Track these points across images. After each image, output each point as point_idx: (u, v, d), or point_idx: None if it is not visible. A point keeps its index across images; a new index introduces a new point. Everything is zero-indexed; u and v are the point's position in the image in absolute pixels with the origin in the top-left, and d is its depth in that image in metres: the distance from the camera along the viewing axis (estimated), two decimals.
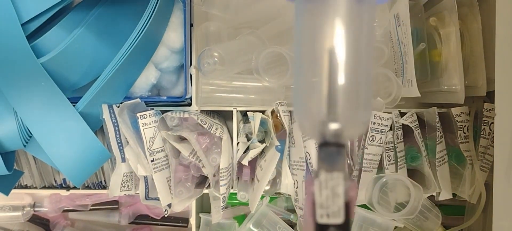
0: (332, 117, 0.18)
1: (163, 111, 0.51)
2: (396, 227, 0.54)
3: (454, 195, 0.54)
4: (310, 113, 0.18)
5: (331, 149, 0.18)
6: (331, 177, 0.17)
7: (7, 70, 0.42)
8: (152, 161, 0.49)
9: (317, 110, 0.18)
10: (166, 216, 0.54)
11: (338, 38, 0.17)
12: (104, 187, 0.59)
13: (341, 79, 0.17)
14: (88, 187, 0.60)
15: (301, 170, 0.49)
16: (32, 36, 0.43)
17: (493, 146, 0.48)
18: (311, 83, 0.18)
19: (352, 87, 0.18)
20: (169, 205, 0.52)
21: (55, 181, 0.60)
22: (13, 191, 0.54)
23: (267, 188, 0.53)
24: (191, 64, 0.53)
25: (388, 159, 0.52)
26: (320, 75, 0.18)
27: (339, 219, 0.17)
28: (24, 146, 0.47)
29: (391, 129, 0.52)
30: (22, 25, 0.41)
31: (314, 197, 0.17)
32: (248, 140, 0.54)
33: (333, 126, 0.18)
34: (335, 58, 0.17)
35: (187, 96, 0.52)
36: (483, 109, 0.50)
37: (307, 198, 0.18)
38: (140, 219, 0.69)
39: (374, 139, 0.51)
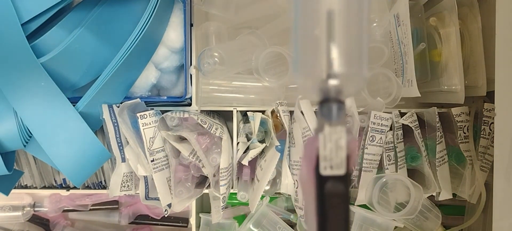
0: (332, 74, 0.18)
1: (163, 111, 0.51)
2: (396, 227, 0.54)
3: (454, 195, 0.54)
4: (310, 72, 0.19)
5: (332, 105, 0.18)
6: (335, 131, 0.18)
7: (7, 70, 0.42)
8: (152, 161, 0.49)
9: (317, 69, 0.18)
10: (166, 216, 0.54)
11: (335, 2, 0.18)
12: (104, 187, 0.59)
13: (339, 37, 0.18)
14: (88, 187, 0.60)
15: None
16: (32, 36, 0.43)
17: (493, 146, 0.48)
18: (310, 43, 0.19)
19: (350, 45, 0.19)
20: (169, 205, 0.52)
21: (55, 181, 0.60)
22: (13, 191, 0.54)
23: (267, 188, 0.53)
24: (191, 64, 0.53)
25: (388, 159, 0.52)
26: (319, 34, 0.18)
27: (342, 170, 0.18)
28: (24, 146, 0.47)
29: (391, 129, 0.52)
30: (22, 25, 0.41)
31: (318, 151, 0.18)
32: (248, 140, 0.54)
33: (334, 82, 0.18)
34: (333, 17, 0.18)
35: (187, 96, 0.52)
36: (483, 109, 0.50)
37: (306, 156, 0.18)
38: (140, 219, 0.69)
39: (374, 139, 0.51)
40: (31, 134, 0.47)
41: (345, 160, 0.18)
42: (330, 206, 0.18)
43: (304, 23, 0.19)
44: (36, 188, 0.60)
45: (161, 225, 0.69)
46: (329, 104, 0.18)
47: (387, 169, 0.52)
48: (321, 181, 0.18)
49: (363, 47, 0.19)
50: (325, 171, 0.18)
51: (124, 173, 0.53)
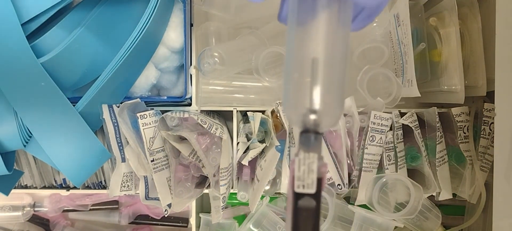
0: (312, 110, 0.22)
1: (163, 111, 0.51)
2: (396, 227, 0.54)
3: (454, 195, 0.54)
4: (295, 107, 0.23)
5: (310, 135, 0.22)
6: (308, 156, 0.22)
7: (7, 70, 0.42)
8: (152, 161, 0.49)
9: (301, 105, 0.23)
10: (166, 216, 0.54)
11: (319, 51, 0.23)
12: (104, 187, 0.59)
13: (320, 82, 0.22)
14: (88, 187, 0.60)
15: None
16: (32, 36, 0.43)
17: (493, 146, 0.48)
18: (297, 83, 0.23)
19: (328, 88, 0.23)
20: (169, 205, 0.52)
21: (55, 181, 0.60)
22: (13, 191, 0.54)
23: (267, 188, 0.53)
24: (191, 64, 0.53)
25: (388, 159, 0.52)
26: (304, 78, 0.23)
27: (312, 190, 0.22)
28: (24, 146, 0.47)
29: (391, 129, 0.52)
30: (22, 25, 0.41)
31: (294, 172, 0.22)
32: (248, 140, 0.54)
33: (312, 117, 0.22)
34: (316, 66, 0.22)
35: (187, 96, 0.52)
36: (483, 109, 0.50)
37: (290, 174, 0.22)
38: (140, 219, 0.69)
39: (374, 139, 0.51)
40: (31, 134, 0.47)
41: (316, 181, 0.22)
42: (301, 219, 0.22)
43: (293, 67, 0.23)
44: (36, 188, 0.60)
45: (161, 225, 0.69)
46: (307, 135, 0.22)
47: (387, 169, 0.52)
48: (295, 197, 0.22)
49: (340, 88, 0.23)
50: (298, 189, 0.22)
51: (124, 173, 0.53)
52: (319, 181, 0.22)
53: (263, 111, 0.54)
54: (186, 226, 0.69)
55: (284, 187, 0.52)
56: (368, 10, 0.26)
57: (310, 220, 0.22)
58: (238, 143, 0.54)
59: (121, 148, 0.51)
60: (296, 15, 0.24)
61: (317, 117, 0.22)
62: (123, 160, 0.52)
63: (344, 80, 0.24)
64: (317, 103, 0.22)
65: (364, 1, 0.23)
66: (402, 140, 0.53)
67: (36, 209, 0.66)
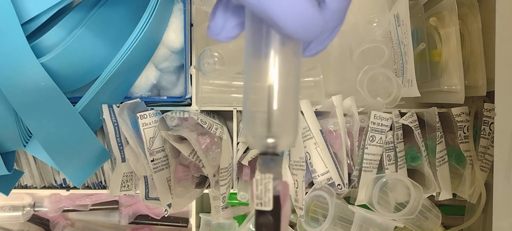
0: (269, 134, 0.24)
1: (163, 111, 0.51)
2: (396, 227, 0.54)
3: (454, 195, 0.54)
4: (255, 131, 0.25)
5: (268, 157, 0.24)
6: (265, 177, 0.24)
7: (7, 70, 0.42)
8: (152, 161, 0.49)
9: (259, 129, 0.25)
10: (166, 216, 0.54)
11: (273, 81, 0.24)
12: (104, 187, 0.59)
13: (276, 108, 0.24)
14: (88, 187, 0.60)
15: (301, 170, 0.49)
16: (32, 36, 0.43)
17: (493, 146, 0.48)
18: (254, 109, 0.25)
19: (283, 114, 0.25)
20: (169, 205, 0.52)
21: (55, 181, 0.60)
22: (13, 191, 0.54)
23: None
24: (191, 64, 0.53)
25: (388, 159, 0.52)
26: (262, 106, 0.25)
27: (268, 207, 0.23)
28: (24, 146, 0.47)
29: (391, 129, 0.52)
30: (22, 25, 0.41)
31: (252, 191, 0.24)
32: None
33: (270, 140, 0.24)
34: (271, 94, 0.24)
35: (187, 96, 0.52)
36: (483, 110, 0.50)
37: (250, 193, 0.24)
38: (140, 219, 0.69)
39: (374, 139, 0.51)
40: (31, 134, 0.47)
41: (272, 199, 0.24)
42: None
43: (250, 94, 0.25)
44: (36, 188, 0.60)
45: (161, 225, 0.69)
46: (266, 157, 0.24)
47: (387, 169, 0.52)
48: (257, 213, 0.24)
49: (295, 112, 0.25)
50: (256, 206, 0.24)
51: (124, 173, 0.53)
52: (276, 199, 0.24)
53: None
54: (186, 226, 0.69)
55: None
56: (319, 41, 0.28)
57: None
58: (238, 143, 0.54)
59: (121, 148, 0.51)
60: (251, 48, 0.25)
61: (274, 140, 0.24)
62: (123, 160, 0.52)
63: (297, 105, 0.26)
64: (273, 128, 0.24)
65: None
66: (402, 140, 0.53)
67: (36, 209, 0.66)
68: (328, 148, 0.50)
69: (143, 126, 0.49)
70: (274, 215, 0.24)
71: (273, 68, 0.25)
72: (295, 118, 0.26)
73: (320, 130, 0.50)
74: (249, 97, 0.25)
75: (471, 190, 0.52)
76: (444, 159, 0.52)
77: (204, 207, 0.66)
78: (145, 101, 0.51)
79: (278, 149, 0.25)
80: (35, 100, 0.44)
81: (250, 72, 0.26)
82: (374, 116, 0.50)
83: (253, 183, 0.24)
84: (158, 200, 0.52)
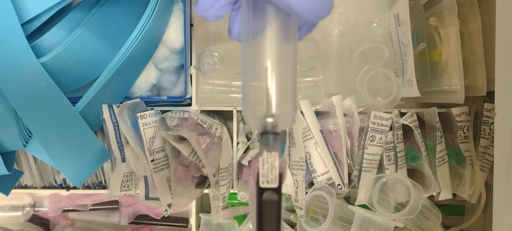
0: (269, 113, 0.25)
1: (163, 111, 0.51)
2: (396, 227, 0.54)
3: (454, 195, 0.54)
4: (255, 112, 0.26)
5: (269, 136, 0.25)
6: (270, 155, 0.24)
7: (7, 70, 0.42)
8: (152, 161, 0.49)
9: (259, 110, 0.25)
10: (166, 216, 0.54)
11: (271, 61, 0.25)
12: (104, 187, 0.59)
13: (274, 87, 0.25)
14: (88, 187, 0.60)
15: (301, 170, 0.49)
16: (32, 36, 0.43)
17: (493, 146, 0.48)
18: (254, 90, 0.26)
19: (282, 93, 0.25)
20: (169, 205, 0.52)
21: (55, 181, 0.60)
22: (13, 191, 0.54)
23: None
24: (191, 64, 0.53)
25: (388, 159, 0.52)
26: (260, 85, 0.25)
27: (275, 184, 0.24)
28: (24, 146, 0.47)
29: (391, 129, 0.52)
30: (22, 25, 0.41)
31: (258, 170, 0.24)
32: (248, 140, 0.54)
33: (270, 120, 0.25)
34: (270, 73, 0.25)
35: (187, 96, 0.52)
36: (483, 110, 0.50)
37: (252, 172, 0.25)
38: (140, 219, 0.69)
39: (374, 139, 0.51)
40: (31, 134, 0.47)
41: (278, 176, 0.24)
42: (265, 210, 0.24)
43: (249, 75, 0.26)
44: (36, 188, 0.60)
45: (161, 225, 0.69)
46: (267, 136, 0.25)
47: (387, 169, 0.52)
48: (260, 191, 0.24)
49: (293, 92, 0.26)
50: (262, 184, 0.24)
51: (124, 173, 0.53)
52: (280, 176, 0.24)
53: None
54: (186, 226, 0.68)
55: (284, 187, 0.52)
56: (309, 24, 0.29)
57: (274, 212, 0.24)
58: (238, 143, 0.54)
59: (121, 148, 0.51)
60: (248, 31, 0.26)
61: (274, 119, 0.25)
62: (123, 160, 0.52)
63: (295, 85, 0.27)
64: (273, 108, 0.25)
65: (305, 15, 0.24)
66: (402, 140, 0.53)
67: (36, 209, 0.66)
68: (328, 148, 0.50)
69: (143, 126, 0.49)
70: (278, 192, 0.24)
71: (271, 49, 0.25)
72: (293, 98, 0.26)
73: (320, 130, 0.50)
74: (247, 78, 0.26)
75: (471, 190, 0.52)
76: (444, 159, 0.52)
77: (204, 207, 0.66)
78: (145, 101, 0.51)
79: (278, 128, 0.25)
80: (35, 100, 0.44)
81: (247, 54, 0.26)
82: (374, 116, 0.50)
83: (258, 161, 0.24)
84: (158, 200, 0.52)
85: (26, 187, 0.60)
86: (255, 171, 0.24)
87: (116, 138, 0.51)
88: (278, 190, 0.24)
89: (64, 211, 0.67)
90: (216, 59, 0.49)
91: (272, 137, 0.25)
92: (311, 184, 0.53)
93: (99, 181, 0.59)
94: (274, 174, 0.24)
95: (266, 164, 0.24)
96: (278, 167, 0.24)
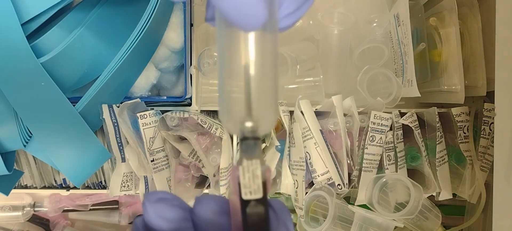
0: (248, 117, 0.23)
1: (163, 111, 0.51)
2: (396, 227, 0.54)
3: (454, 195, 0.54)
4: (232, 116, 0.23)
5: (250, 142, 0.23)
6: (251, 163, 0.22)
7: (7, 70, 0.42)
8: (152, 161, 0.49)
9: (237, 113, 0.23)
10: None
11: (250, 58, 0.22)
12: (104, 187, 0.59)
13: (253, 89, 0.23)
14: (88, 187, 0.60)
15: (301, 170, 0.49)
16: (32, 36, 0.43)
17: (493, 146, 0.48)
18: (231, 93, 0.23)
19: (262, 95, 0.23)
20: None
21: (55, 181, 0.60)
22: (13, 191, 0.54)
23: None
24: (191, 64, 0.53)
25: (388, 159, 0.52)
26: (238, 86, 0.23)
27: (259, 195, 0.22)
28: (24, 146, 0.47)
29: (391, 129, 0.52)
30: (22, 25, 0.41)
31: (239, 179, 0.22)
32: None
33: (250, 124, 0.23)
34: (248, 73, 0.22)
35: (187, 96, 0.52)
36: (483, 109, 0.50)
37: (232, 182, 0.22)
38: None
39: (374, 139, 0.51)
40: (31, 134, 0.47)
41: (262, 186, 0.22)
42: (252, 224, 0.22)
43: (226, 76, 0.23)
44: (36, 188, 0.60)
45: None
46: (247, 142, 0.22)
47: (387, 169, 0.52)
48: (243, 204, 0.22)
49: (273, 93, 0.24)
50: (245, 196, 0.22)
51: (124, 173, 0.53)
52: (264, 185, 0.22)
53: None
54: None
55: (284, 187, 0.52)
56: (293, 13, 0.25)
57: (262, 225, 0.22)
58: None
59: (121, 148, 0.51)
60: (221, 19, 0.23)
61: (253, 123, 0.23)
62: (123, 160, 0.52)
63: (276, 85, 0.24)
64: (252, 111, 0.23)
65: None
66: (402, 140, 0.53)
67: (36, 209, 0.66)
68: (328, 148, 0.50)
69: (143, 126, 0.49)
70: (263, 203, 0.22)
71: (249, 45, 0.23)
72: (274, 99, 0.24)
73: (320, 130, 0.50)
74: (223, 78, 0.24)
75: (471, 190, 0.52)
76: (444, 159, 0.52)
77: None
78: (145, 101, 0.51)
79: (259, 133, 0.23)
80: (35, 100, 0.44)
81: (221, 45, 0.24)
82: (374, 116, 0.50)
83: (238, 170, 0.22)
84: None
85: (26, 187, 0.60)
86: (236, 181, 0.22)
87: (116, 138, 0.51)
88: (263, 201, 0.22)
89: (64, 211, 0.67)
90: (216, 59, 0.49)
91: (253, 142, 0.22)
92: (311, 184, 0.53)
93: (99, 181, 0.59)
94: (257, 183, 0.22)
95: (247, 173, 0.22)
96: (260, 175, 0.22)
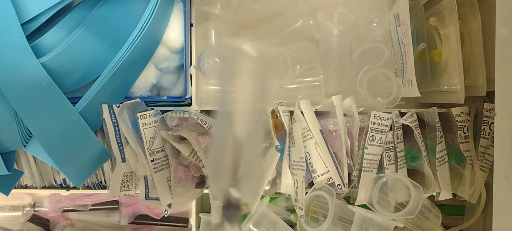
0: (234, 188, 0.26)
1: (163, 111, 0.51)
2: (396, 227, 0.54)
3: (454, 195, 0.54)
4: (220, 184, 0.27)
5: (232, 209, 0.26)
6: (232, 228, 0.26)
7: (7, 70, 0.42)
8: (152, 161, 0.49)
9: (226, 184, 0.26)
10: (166, 216, 0.54)
11: (241, 133, 0.26)
12: (104, 187, 0.59)
13: (241, 167, 0.26)
14: (88, 187, 0.60)
15: (301, 170, 0.49)
16: (32, 36, 0.43)
17: (493, 146, 0.48)
18: (221, 162, 0.27)
19: (247, 168, 0.26)
20: (169, 205, 0.52)
21: (55, 181, 0.60)
22: (13, 191, 0.54)
23: (267, 188, 0.53)
24: (191, 64, 0.53)
25: (388, 159, 0.52)
26: (229, 160, 0.26)
27: None
28: (24, 146, 0.48)
29: (391, 129, 0.52)
30: (22, 25, 0.41)
31: None
32: None
33: (235, 194, 0.26)
34: (237, 154, 0.26)
35: (187, 96, 0.52)
36: (483, 109, 0.50)
37: None
38: (140, 219, 0.69)
39: (374, 139, 0.51)
40: (31, 134, 0.47)
41: None
42: None
43: (217, 148, 0.27)
44: (36, 188, 0.60)
45: (161, 225, 0.69)
46: (231, 209, 0.26)
47: (387, 169, 0.52)
48: None
49: (256, 171, 0.28)
50: None
51: (124, 173, 0.53)
52: None
53: None
54: (186, 226, 0.68)
55: (284, 187, 0.52)
56: None
57: None
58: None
59: (121, 148, 0.51)
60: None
61: (238, 194, 0.26)
62: (123, 160, 0.52)
63: (260, 162, 0.29)
64: (238, 186, 0.26)
65: None
66: (402, 140, 0.53)
67: (36, 209, 0.66)
68: (328, 148, 0.50)
69: (143, 126, 0.49)
70: None
71: (241, 121, 0.26)
72: (259, 176, 0.28)
73: (320, 130, 0.50)
74: (215, 149, 0.28)
75: (471, 190, 0.52)
76: (444, 159, 0.52)
77: (204, 207, 0.66)
78: (145, 101, 0.51)
79: (241, 203, 0.27)
80: (35, 101, 0.44)
81: (217, 137, 0.28)
82: (374, 116, 0.50)
83: None
84: (158, 200, 0.52)
85: (26, 187, 0.60)
86: None
87: (116, 138, 0.51)
88: None
89: (64, 211, 0.67)
90: (216, 59, 0.49)
91: (235, 210, 0.26)
92: (311, 184, 0.53)
93: (99, 181, 0.59)
94: None
95: None
96: None
